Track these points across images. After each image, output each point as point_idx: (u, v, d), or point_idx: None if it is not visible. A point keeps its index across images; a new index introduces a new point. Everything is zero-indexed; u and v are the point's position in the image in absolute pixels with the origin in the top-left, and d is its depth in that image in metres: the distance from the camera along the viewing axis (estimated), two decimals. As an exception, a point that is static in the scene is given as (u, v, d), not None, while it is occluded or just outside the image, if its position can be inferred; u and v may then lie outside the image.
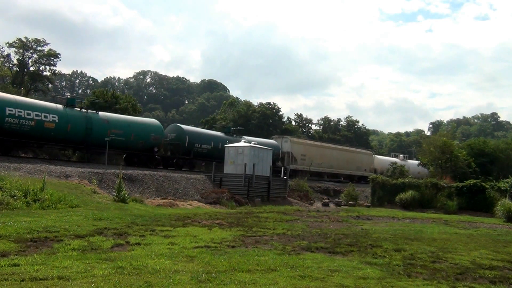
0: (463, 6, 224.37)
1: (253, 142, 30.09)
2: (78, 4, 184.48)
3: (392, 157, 56.33)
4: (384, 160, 53.11)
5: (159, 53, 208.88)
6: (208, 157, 32.62)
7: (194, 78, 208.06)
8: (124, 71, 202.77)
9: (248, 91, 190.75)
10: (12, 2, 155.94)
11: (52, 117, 24.10)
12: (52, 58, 53.78)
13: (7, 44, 52.05)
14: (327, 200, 32.00)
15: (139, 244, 8.71)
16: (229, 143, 31.80)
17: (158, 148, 29.90)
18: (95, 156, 28.37)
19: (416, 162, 56.58)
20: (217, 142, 33.11)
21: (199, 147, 31.71)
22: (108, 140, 24.18)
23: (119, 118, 28.92)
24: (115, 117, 28.67)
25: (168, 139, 31.11)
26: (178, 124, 33.90)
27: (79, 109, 26.34)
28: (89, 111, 26.74)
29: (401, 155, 56.59)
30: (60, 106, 25.47)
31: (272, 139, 40.22)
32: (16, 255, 7.03)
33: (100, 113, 27.46)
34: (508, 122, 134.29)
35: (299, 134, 70.17)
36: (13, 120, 22.42)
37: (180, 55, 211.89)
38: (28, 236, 8.76)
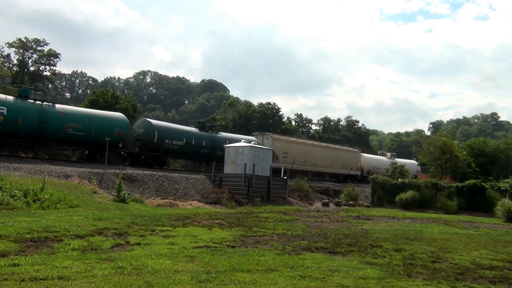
0: (463, 6, 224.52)
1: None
2: (80, 5, 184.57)
3: (380, 155, 54.65)
4: (371, 158, 51.79)
5: (160, 53, 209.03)
6: (180, 154, 31.35)
7: (195, 78, 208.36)
8: (124, 71, 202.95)
9: (248, 91, 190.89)
10: (13, 2, 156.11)
11: (0, 109, 22.03)
12: (52, 58, 53.76)
13: (7, 44, 52.04)
14: (327, 200, 32.01)
15: (139, 244, 8.71)
16: (203, 140, 31.46)
17: (124, 144, 27.79)
18: (50, 153, 28.25)
19: (405, 160, 55.49)
20: (190, 138, 31.38)
21: (170, 143, 29.78)
22: (63, 135, 22.94)
23: (78, 111, 26.91)
24: (73, 110, 26.54)
25: (136, 135, 29.50)
26: (147, 119, 32.25)
27: (32, 101, 24.10)
28: (44, 103, 24.41)
29: (388, 154, 55.11)
30: (10, 98, 23.50)
31: (252, 135, 38.55)
32: (16, 255, 7.03)
33: (57, 105, 25.34)
34: (508, 122, 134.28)
35: (299, 134, 70.15)
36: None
37: (180, 56, 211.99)
38: (28, 236, 8.76)
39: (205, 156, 32.68)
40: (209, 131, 34.00)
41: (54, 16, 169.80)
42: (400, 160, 52.85)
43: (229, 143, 32.23)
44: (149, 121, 30.65)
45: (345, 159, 46.18)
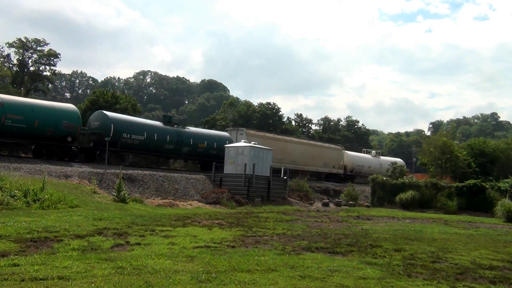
0: (462, 7, 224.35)
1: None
2: (81, 5, 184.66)
3: (364, 153, 52.29)
4: (354, 156, 49.27)
5: (160, 53, 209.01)
6: (140, 150, 29.07)
7: (195, 78, 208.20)
8: (124, 71, 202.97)
9: (249, 91, 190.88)
10: (14, 2, 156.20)
11: None
12: (52, 58, 53.72)
13: (7, 44, 52.00)
14: (327, 200, 32.01)
15: (139, 244, 8.72)
16: (168, 134, 29.63)
17: (74, 138, 25.37)
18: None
19: (390, 158, 54.43)
20: (152, 133, 28.96)
21: (128, 138, 27.38)
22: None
23: (18, 100, 24.28)
24: (13, 99, 23.87)
25: (91, 128, 27.36)
26: (103, 111, 29.73)
27: None
28: None
29: (373, 151, 52.78)
30: None
31: (226, 131, 36.88)
32: (16, 255, 7.03)
33: None
34: (508, 122, 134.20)
35: (299, 134, 70.16)
36: None
37: (181, 56, 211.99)
38: (28, 236, 8.76)
39: (170, 153, 30.48)
40: (175, 126, 31.52)
41: (56, 17, 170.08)
42: (385, 158, 51.67)
43: (197, 138, 31.34)
44: (104, 113, 28.03)
45: (326, 156, 43.93)
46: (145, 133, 28.52)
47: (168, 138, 29.82)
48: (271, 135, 40.67)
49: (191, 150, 31.03)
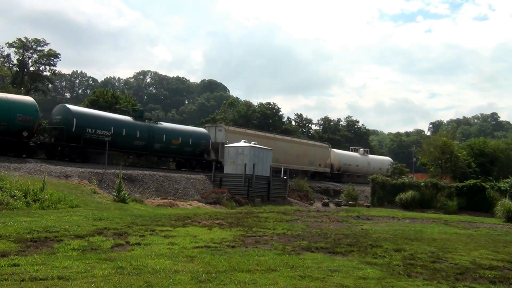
0: (462, 7, 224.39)
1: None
2: (83, 6, 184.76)
3: (352, 151, 51.13)
4: (342, 154, 47.79)
5: (161, 54, 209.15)
6: (108, 146, 26.62)
7: (196, 78, 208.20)
8: (125, 72, 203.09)
9: (249, 91, 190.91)
10: (15, 2, 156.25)
11: None
12: (52, 58, 53.73)
13: (7, 44, 52.01)
14: (327, 200, 32.02)
15: (139, 244, 8.71)
16: (138, 130, 28.19)
17: (31, 133, 23.69)
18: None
19: (378, 156, 53.67)
20: (120, 128, 27.30)
21: (93, 133, 25.77)
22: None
23: None
24: None
25: (53, 123, 25.99)
26: (65, 104, 28.31)
27: None
28: None
29: (361, 149, 51.01)
30: None
31: (205, 127, 35.60)
32: (16, 255, 7.02)
33: None
34: (508, 122, 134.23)
35: (299, 134, 70.16)
36: None
37: (182, 56, 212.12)
38: (28, 236, 8.76)
39: (140, 149, 29.02)
40: (147, 121, 30.03)
41: (57, 17, 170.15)
42: (373, 157, 50.82)
43: (170, 134, 29.93)
44: (67, 107, 26.61)
45: (312, 154, 42.35)
46: (112, 128, 26.83)
47: (138, 134, 28.21)
48: (252, 131, 39.20)
49: (163, 146, 29.71)
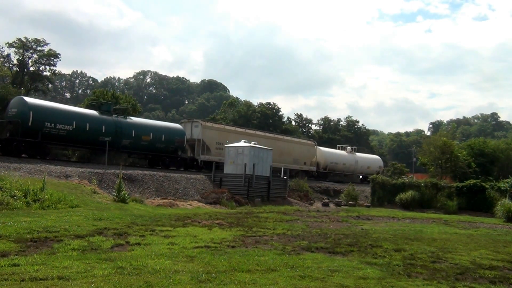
0: (462, 7, 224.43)
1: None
2: (84, 6, 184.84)
3: (339, 149, 49.18)
4: (328, 152, 45.74)
5: (162, 54, 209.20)
6: (68, 142, 25.58)
7: (196, 78, 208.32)
8: (125, 72, 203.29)
9: (250, 91, 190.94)
10: (16, 2, 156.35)
11: None
12: (52, 58, 53.69)
13: (7, 44, 51.95)
14: (327, 200, 32.00)
15: (139, 244, 8.71)
16: (103, 124, 26.44)
17: None
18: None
19: (366, 155, 52.08)
20: (83, 122, 25.56)
21: (53, 128, 24.02)
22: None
23: None
24: None
25: (8, 116, 24.40)
26: (22, 96, 26.37)
27: None
28: None
29: (348, 147, 49.30)
30: None
31: (181, 123, 33.91)
32: (16, 255, 7.03)
33: None
34: (508, 122, 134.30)
35: (299, 134, 70.15)
36: None
37: (182, 56, 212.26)
38: (28, 236, 8.76)
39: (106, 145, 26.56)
40: (115, 115, 28.07)
41: (58, 17, 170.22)
42: (361, 155, 49.55)
43: (140, 130, 28.49)
44: (23, 99, 24.91)
45: (297, 152, 40.37)
46: (74, 122, 25.11)
47: (104, 129, 26.34)
48: (231, 128, 37.64)
49: (132, 143, 27.91)
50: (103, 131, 26.30)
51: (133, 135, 27.89)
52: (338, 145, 52.78)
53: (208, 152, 32.04)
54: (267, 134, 40.24)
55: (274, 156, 36.60)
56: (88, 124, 25.80)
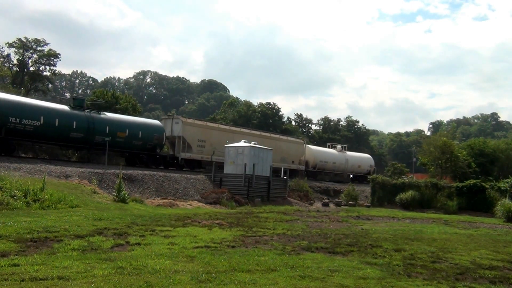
0: (462, 7, 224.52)
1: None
2: (85, 6, 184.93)
3: (329, 147, 47.93)
4: (318, 151, 44.38)
5: (162, 54, 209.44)
6: (36, 138, 24.13)
7: (196, 78, 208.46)
8: (125, 72, 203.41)
9: (250, 91, 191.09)
10: (18, 3, 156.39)
11: None
12: (52, 58, 53.75)
13: (7, 44, 52.02)
14: (327, 200, 31.99)
15: (139, 244, 8.71)
16: (74, 120, 24.95)
17: None
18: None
19: (357, 154, 50.92)
20: (52, 118, 24.06)
21: (18, 123, 22.76)
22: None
23: None
24: None
25: None
26: None
27: None
28: None
29: (338, 146, 48.03)
30: None
31: (161, 120, 32.55)
32: (16, 255, 7.02)
33: None
34: (508, 122, 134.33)
35: (299, 134, 70.16)
36: None
37: (183, 56, 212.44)
38: (28, 236, 8.76)
39: (79, 142, 25.56)
40: (87, 111, 26.55)
41: (59, 18, 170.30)
42: (352, 154, 48.28)
43: (115, 126, 27.01)
44: None
45: (285, 151, 39.05)
46: (42, 117, 23.71)
47: (75, 125, 24.91)
48: (215, 124, 36.06)
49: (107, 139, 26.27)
50: (74, 127, 24.94)
51: (107, 132, 26.24)
52: (328, 144, 51.76)
53: (189, 149, 30.82)
54: (253, 132, 38.60)
55: (261, 155, 36.03)
56: (57, 120, 24.28)
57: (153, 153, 29.28)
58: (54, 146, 25.15)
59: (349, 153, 47.53)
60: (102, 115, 27.09)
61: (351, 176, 47.13)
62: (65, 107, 25.87)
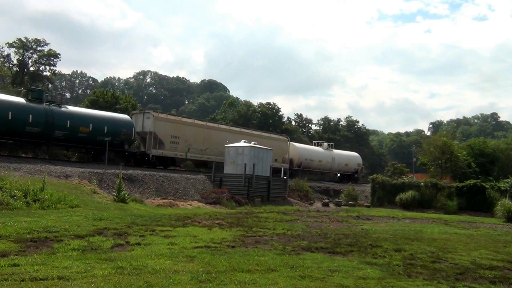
0: (461, 7, 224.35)
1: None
2: (86, 7, 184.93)
3: (315, 145, 46.30)
4: (303, 149, 42.49)
5: (163, 54, 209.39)
6: None
7: (197, 79, 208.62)
8: (125, 72, 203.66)
9: (250, 92, 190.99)
10: (19, 3, 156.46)
11: None
12: (52, 58, 53.80)
13: (7, 44, 52.06)
14: (327, 200, 32.00)
15: (139, 244, 8.71)
16: (30, 114, 23.24)
17: None
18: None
19: (344, 152, 48.86)
20: (4, 111, 22.42)
21: None
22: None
23: None
24: None
25: None
26: None
27: None
28: None
29: (325, 144, 46.10)
30: None
31: (132, 114, 30.73)
32: (16, 255, 7.02)
33: None
34: (508, 122, 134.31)
35: (299, 134, 70.17)
36: None
37: (184, 57, 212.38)
38: (28, 236, 8.76)
39: (35, 137, 23.70)
40: (47, 103, 24.58)
41: (61, 18, 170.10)
42: (339, 152, 46.72)
43: (77, 120, 25.19)
44: None
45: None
46: None
47: (31, 119, 23.09)
48: (190, 120, 33.86)
49: (68, 135, 24.60)
50: (30, 120, 23.09)
51: (68, 126, 24.48)
52: (314, 141, 50.02)
53: (161, 146, 29.14)
54: (232, 128, 36.85)
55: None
56: (10, 113, 22.44)
57: (121, 149, 27.49)
58: (6, 141, 23.44)
59: (335, 151, 46.09)
60: (63, 108, 25.19)
61: (338, 175, 45.81)
62: (20, 99, 24.26)
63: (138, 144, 31.18)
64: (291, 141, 42.51)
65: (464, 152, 39.01)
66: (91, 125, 25.62)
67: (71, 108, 26.75)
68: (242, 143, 28.68)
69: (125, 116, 29.40)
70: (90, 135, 25.52)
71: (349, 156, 47.71)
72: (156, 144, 28.97)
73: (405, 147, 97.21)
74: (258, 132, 39.38)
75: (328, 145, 46.22)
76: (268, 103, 73.77)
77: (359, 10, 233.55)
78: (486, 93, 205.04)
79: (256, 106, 74.10)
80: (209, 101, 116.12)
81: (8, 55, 52.59)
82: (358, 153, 51.28)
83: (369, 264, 7.87)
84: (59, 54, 54.36)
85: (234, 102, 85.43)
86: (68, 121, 24.64)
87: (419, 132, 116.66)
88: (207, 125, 34.20)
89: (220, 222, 13.56)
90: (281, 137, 41.25)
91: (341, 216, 19.79)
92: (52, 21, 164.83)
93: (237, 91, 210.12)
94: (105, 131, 25.99)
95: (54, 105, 24.91)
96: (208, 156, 31.66)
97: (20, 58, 52.75)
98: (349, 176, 45.54)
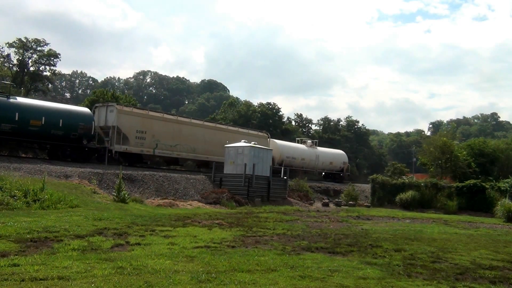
0: (461, 7, 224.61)
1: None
2: (87, 7, 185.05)
3: (298, 142, 43.76)
4: (284, 146, 39.99)
5: (164, 54, 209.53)
6: None
7: (197, 79, 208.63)
8: (126, 72, 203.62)
9: (251, 92, 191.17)
10: (20, 3, 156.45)
11: None
12: (52, 58, 53.80)
13: (7, 44, 52.06)
14: (327, 200, 32.00)
15: (139, 244, 8.71)
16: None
17: None
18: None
19: (329, 149, 46.63)
20: None
21: None
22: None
23: None
24: None
25: None
26: None
27: None
28: None
29: (309, 141, 44.16)
30: None
31: (95, 107, 28.67)
32: (16, 255, 7.02)
33: None
34: (508, 122, 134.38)
35: (299, 134, 70.15)
36: None
37: (184, 57, 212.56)
38: (28, 236, 8.76)
39: None
40: (5, 96, 23.00)
41: (62, 18, 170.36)
42: (323, 150, 44.55)
43: (27, 112, 22.99)
44: None
45: None
46: None
47: None
48: (158, 114, 31.74)
49: (16, 128, 22.38)
50: None
51: (17, 119, 22.40)
52: (297, 138, 47.70)
53: (125, 142, 27.25)
54: (206, 123, 34.71)
55: (214, 148, 31.76)
56: None
57: (79, 145, 25.46)
58: None
59: (320, 148, 44.17)
60: (10, 100, 22.93)
61: (323, 174, 44.35)
62: None
63: (102, 139, 28.68)
64: (280, 139, 41.09)
65: (464, 152, 39.02)
66: (43, 118, 23.40)
67: (21, 99, 24.40)
68: (242, 143, 28.68)
69: (83, 109, 27.33)
70: (43, 129, 23.36)
71: (334, 154, 45.46)
72: (120, 139, 27.02)
73: (405, 147, 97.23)
74: (235, 128, 37.52)
75: (312, 142, 44.49)
76: (268, 103, 73.75)
77: (359, 10, 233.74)
78: (486, 93, 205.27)
79: (256, 106, 74.08)
80: (209, 101, 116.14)
81: (8, 55, 52.61)
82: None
83: (369, 264, 7.87)
84: (59, 54, 54.41)
85: (234, 102, 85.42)
86: (17, 113, 22.51)
87: (419, 132, 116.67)
88: (177, 119, 32.24)
89: (220, 222, 13.55)
90: (260, 133, 38.82)
91: (341, 216, 19.79)
92: (52, 21, 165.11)
93: (237, 91, 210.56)
94: (60, 125, 24.03)
95: (1, 96, 23.01)
96: (178, 153, 30.17)
97: (20, 58, 52.76)
98: (333, 175, 43.94)
